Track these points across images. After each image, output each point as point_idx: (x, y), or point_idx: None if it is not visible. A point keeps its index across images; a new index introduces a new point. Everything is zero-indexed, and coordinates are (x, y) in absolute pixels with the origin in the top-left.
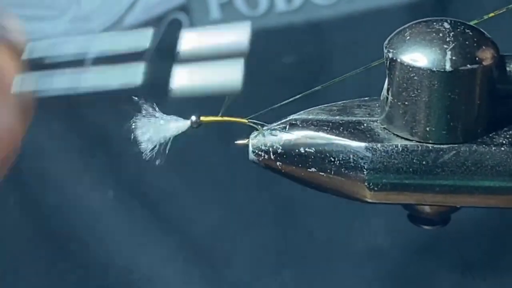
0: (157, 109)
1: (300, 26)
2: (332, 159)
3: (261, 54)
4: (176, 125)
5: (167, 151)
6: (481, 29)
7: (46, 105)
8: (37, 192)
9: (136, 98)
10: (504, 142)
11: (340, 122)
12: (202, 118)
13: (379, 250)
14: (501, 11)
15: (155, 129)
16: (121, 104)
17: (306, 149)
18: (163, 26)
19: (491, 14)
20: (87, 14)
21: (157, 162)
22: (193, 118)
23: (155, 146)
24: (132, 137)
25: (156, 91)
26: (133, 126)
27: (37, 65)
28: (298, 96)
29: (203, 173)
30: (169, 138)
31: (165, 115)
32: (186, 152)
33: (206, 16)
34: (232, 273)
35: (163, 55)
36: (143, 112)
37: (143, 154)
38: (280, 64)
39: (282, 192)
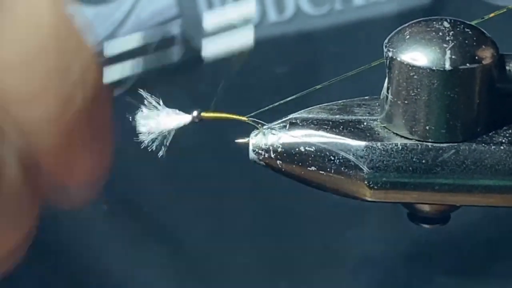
0: (160, 101)
1: (292, 37)
2: (332, 158)
3: (254, 64)
4: (178, 118)
5: (167, 144)
6: (481, 28)
7: None
8: None
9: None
10: (503, 141)
11: (340, 121)
12: (203, 113)
13: (374, 257)
14: (501, 12)
15: (156, 121)
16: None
17: (306, 148)
18: (155, 40)
19: (492, 14)
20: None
21: (158, 155)
22: (195, 113)
23: (155, 138)
24: (133, 126)
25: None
26: (135, 116)
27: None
28: (298, 95)
29: (196, 183)
30: (170, 131)
31: (167, 108)
32: (178, 162)
33: (200, 28)
34: (227, 283)
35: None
36: (146, 103)
37: (142, 145)
38: (272, 74)
39: (276, 201)
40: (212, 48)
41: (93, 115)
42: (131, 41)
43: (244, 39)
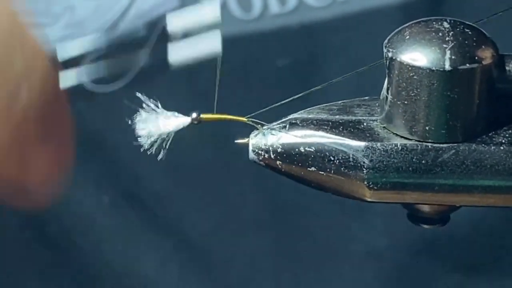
0: (158, 104)
1: (294, 29)
2: (332, 158)
3: (256, 56)
4: (177, 121)
5: (166, 147)
6: (481, 29)
7: None
8: None
9: (140, 95)
10: (503, 141)
11: (340, 121)
12: (202, 115)
13: (378, 251)
14: (500, 12)
15: (155, 124)
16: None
17: (306, 148)
18: (157, 31)
19: (489, 17)
20: (81, 20)
21: (158, 158)
22: (194, 115)
23: (155, 141)
24: (133, 130)
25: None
26: (134, 120)
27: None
28: (298, 96)
29: (199, 176)
30: (169, 134)
31: (166, 110)
32: (181, 155)
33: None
34: (230, 276)
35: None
36: (145, 106)
37: (142, 148)
38: (274, 67)
39: (279, 194)
40: (178, 54)
41: (47, 113)
42: (84, 44)
43: (211, 45)
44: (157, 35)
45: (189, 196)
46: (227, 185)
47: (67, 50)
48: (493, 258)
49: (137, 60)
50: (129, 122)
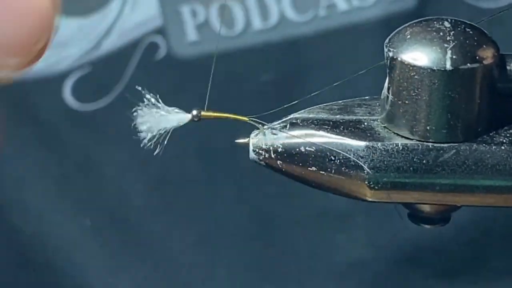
0: (160, 100)
1: (277, 44)
2: (333, 158)
3: (239, 72)
4: (177, 117)
5: (165, 142)
6: (482, 28)
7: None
8: (15, 221)
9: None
10: (504, 141)
11: (341, 121)
12: (203, 113)
13: (362, 263)
14: (500, 12)
15: (156, 120)
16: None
17: (307, 148)
18: (140, 50)
19: (484, 19)
20: (65, 40)
21: (155, 153)
22: (194, 112)
23: (154, 136)
24: (133, 124)
25: None
26: (134, 114)
27: None
28: (300, 100)
29: (181, 190)
30: (169, 130)
31: (167, 106)
32: (164, 170)
33: (183, 38)
34: None
35: None
36: (146, 101)
37: (142, 143)
38: (258, 82)
39: (262, 207)
40: None
41: None
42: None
43: None
44: (140, 53)
45: (172, 211)
46: (210, 199)
47: (51, 69)
48: (475, 266)
49: (121, 79)
50: (114, 141)
